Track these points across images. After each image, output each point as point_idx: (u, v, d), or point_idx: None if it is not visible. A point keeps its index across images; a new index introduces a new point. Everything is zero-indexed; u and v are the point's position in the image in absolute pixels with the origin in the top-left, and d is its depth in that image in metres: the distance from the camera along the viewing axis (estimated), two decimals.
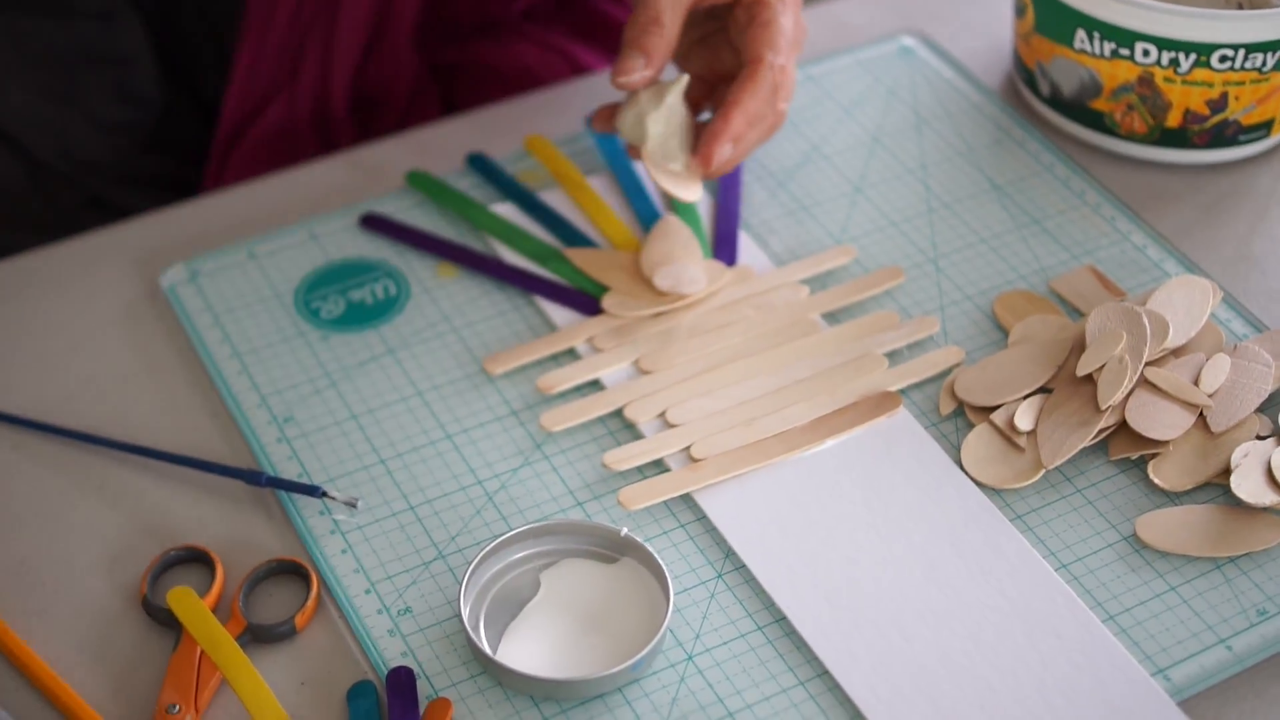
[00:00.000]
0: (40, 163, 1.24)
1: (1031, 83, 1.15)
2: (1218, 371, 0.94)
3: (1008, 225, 1.07)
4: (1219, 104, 1.08)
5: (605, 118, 1.03)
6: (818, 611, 0.87)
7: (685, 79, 1.01)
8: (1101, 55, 1.08)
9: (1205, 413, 0.93)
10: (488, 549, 0.87)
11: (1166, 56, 1.06)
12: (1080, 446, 0.92)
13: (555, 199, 1.09)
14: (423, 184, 1.10)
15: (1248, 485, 0.90)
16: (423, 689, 0.84)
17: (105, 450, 0.96)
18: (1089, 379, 0.94)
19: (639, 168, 1.10)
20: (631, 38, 0.99)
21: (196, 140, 1.29)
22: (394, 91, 1.26)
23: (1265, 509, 0.90)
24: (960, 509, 0.91)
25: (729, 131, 0.99)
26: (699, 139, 1.01)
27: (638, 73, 0.99)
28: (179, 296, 1.04)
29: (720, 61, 1.06)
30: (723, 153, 1.00)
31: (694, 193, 1.01)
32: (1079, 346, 0.96)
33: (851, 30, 1.23)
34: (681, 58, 1.07)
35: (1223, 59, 1.05)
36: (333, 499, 0.92)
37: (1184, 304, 0.98)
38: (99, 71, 1.24)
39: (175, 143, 1.29)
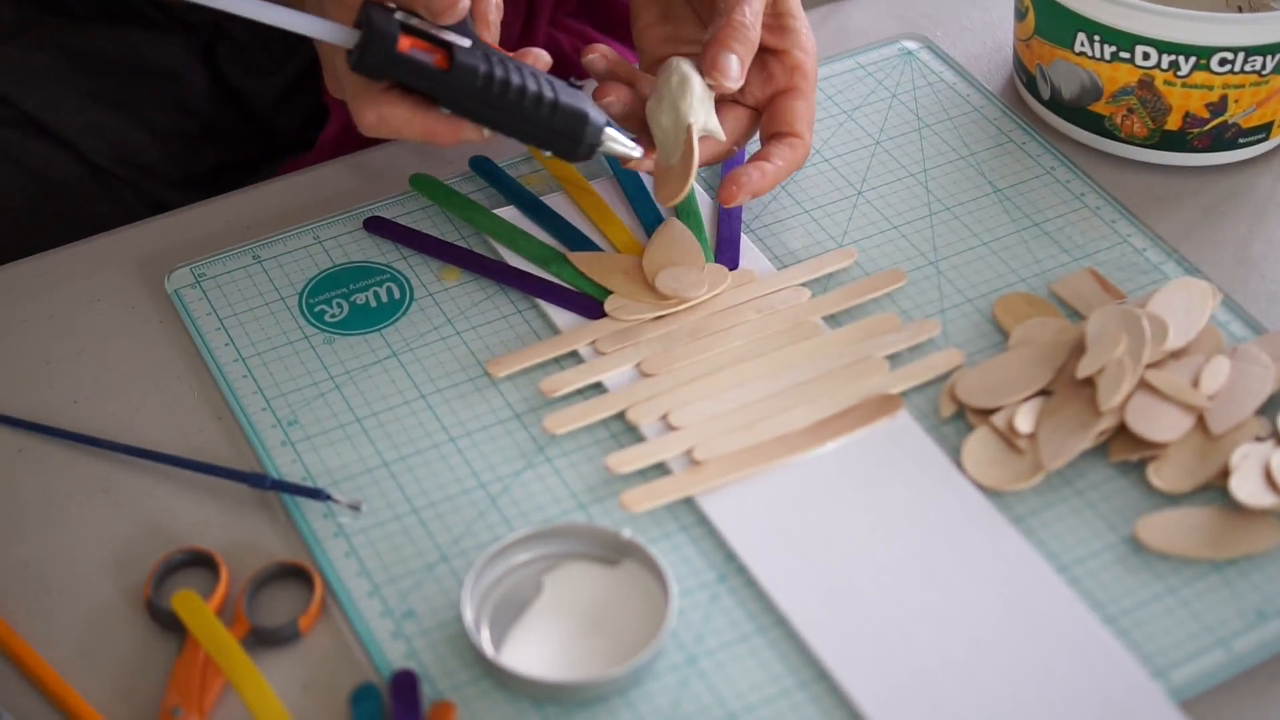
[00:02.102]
0: (100, 167, 1.26)
1: (1032, 86, 1.15)
2: (1217, 374, 0.95)
3: (1008, 228, 1.07)
4: (1219, 107, 1.08)
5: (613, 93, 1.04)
6: (819, 613, 0.87)
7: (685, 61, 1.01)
8: (1102, 58, 1.08)
9: (1204, 415, 0.93)
10: (491, 552, 0.88)
11: (1166, 59, 1.06)
12: (1080, 449, 0.92)
13: (558, 202, 1.09)
14: (426, 187, 1.10)
15: (1247, 487, 0.90)
16: (426, 692, 0.85)
17: (109, 453, 0.96)
18: (1089, 381, 0.95)
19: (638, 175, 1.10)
20: (594, 73, 1.05)
21: (253, 142, 1.31)
22: None
23: (1264, 511, 0.90)
24: (960, 511, 0.91)
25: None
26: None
27: (614, 95, 1.02)
28: (184, 300, 1.04)
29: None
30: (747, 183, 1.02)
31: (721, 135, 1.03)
32: (1079, 349, 0.97)
33: (853, 34, 1.24)
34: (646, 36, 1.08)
35: (1222, 62, 1.06)
36: (336, 502, 0.92)
37: (1183, 306, 0.98)
38: (151, 81, 1.26)
39: (231, 146, 1.31)
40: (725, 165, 1.11)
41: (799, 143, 1.03)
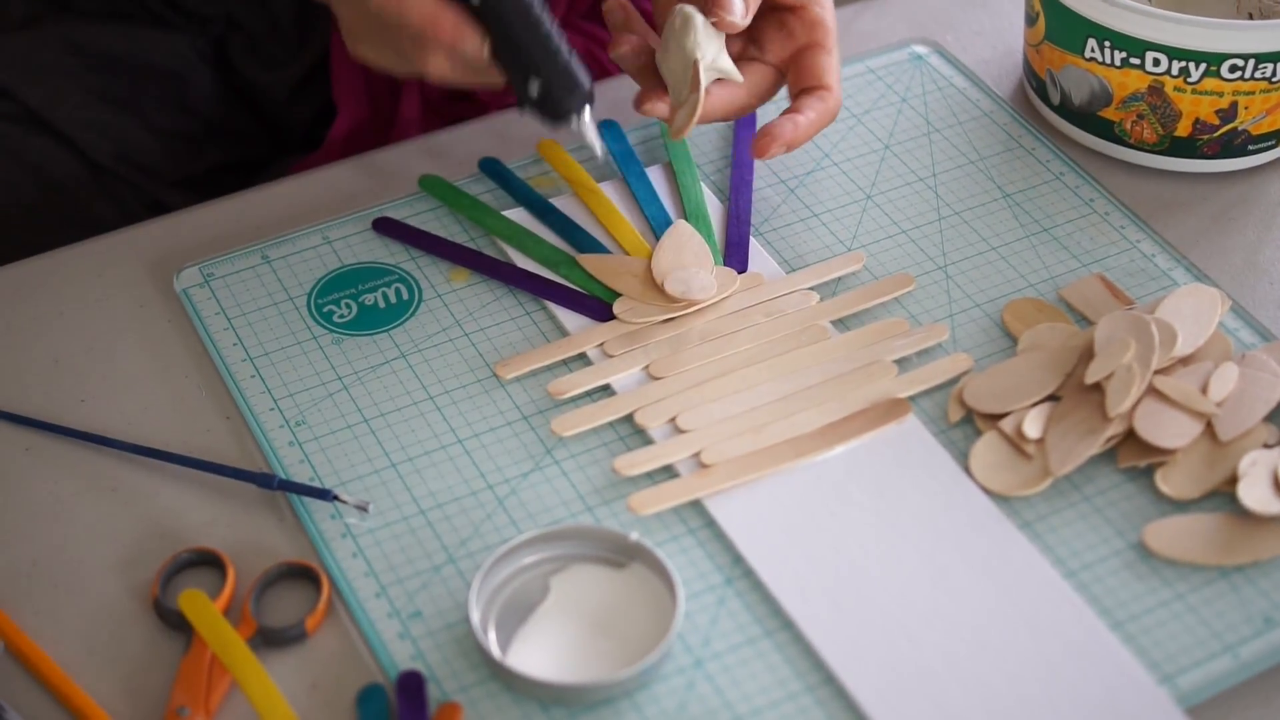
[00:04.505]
0: (100, 165, 1.26)
1: (1042, 91, 1.15)
2: (1225, 380, 0.95)
3: (1017, 233, 1.07)
4: (1228, 114, 1.08)
5: (649, 99, 1.03)
6: (826, 617, 0.87)
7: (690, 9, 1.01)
8: (1112, 64, 1.08)
9: (1213, 421, 0.93)
10: (498, 554, 0.88)
11: (1177, 66, 1.06)
12: (1088, 454, 0.92)
13: (567, 204, 1.09)
14: (435, 189, 1.10)
15: (1255, 494, 0.90)
16: (432, 693, 0.84)
17: (118, 452, 0.96)
18: (1097, 387, 0.95)
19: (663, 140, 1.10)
20: (612, 23, 1.04)
21: (255, 143, 1.31)
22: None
23: (1273, 518, 0.90)
24: (968, 516, 0.91)
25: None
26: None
27: (626, 45, 1.02)
28: (192, 299, 1.04)
29: None
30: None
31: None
32: (1087, 355, 0.97)
33: (863, 38, 1.24)
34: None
35: (1232, 69, 1.05)
36: (344, 502, 0.92)
37: (1192, 313, 0.98)
38: (156, 81, 1.26)
39: (233, 147, 1.31)
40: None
41: (829, 95, 1.03)
